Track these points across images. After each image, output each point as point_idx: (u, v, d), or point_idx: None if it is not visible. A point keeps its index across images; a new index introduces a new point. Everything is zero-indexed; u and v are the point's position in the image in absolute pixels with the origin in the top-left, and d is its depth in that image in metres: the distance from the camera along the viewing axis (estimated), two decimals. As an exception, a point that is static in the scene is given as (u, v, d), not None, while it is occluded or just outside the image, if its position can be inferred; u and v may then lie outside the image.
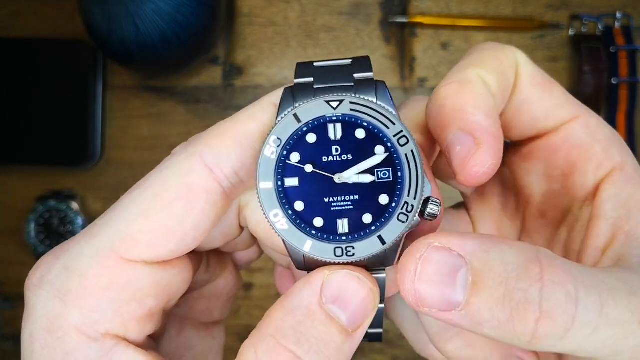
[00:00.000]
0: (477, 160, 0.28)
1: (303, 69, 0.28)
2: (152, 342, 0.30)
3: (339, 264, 0.27)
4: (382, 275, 0.28)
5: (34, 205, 0.79)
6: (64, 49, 0.80)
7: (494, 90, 0.30)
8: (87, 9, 0.69)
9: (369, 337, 0.30)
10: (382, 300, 0.29)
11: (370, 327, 0.29)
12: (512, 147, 0.35)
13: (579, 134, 0.31)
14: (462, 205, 0.37)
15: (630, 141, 0.78)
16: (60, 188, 0.81)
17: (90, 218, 0.80)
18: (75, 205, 0.79)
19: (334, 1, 0.81)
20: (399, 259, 0.29)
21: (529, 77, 0.31)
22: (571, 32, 0.79)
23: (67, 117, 0.80)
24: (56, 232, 0.79)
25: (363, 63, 0.28)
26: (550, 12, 0.80)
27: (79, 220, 0.79)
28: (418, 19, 0.79)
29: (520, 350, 0.30)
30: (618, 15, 0.79)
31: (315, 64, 0.29)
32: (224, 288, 0.38)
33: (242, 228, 0.33)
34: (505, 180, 0.36)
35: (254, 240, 0.36)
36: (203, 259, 0.35)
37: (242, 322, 0.79)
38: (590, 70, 0.77)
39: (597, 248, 0.29)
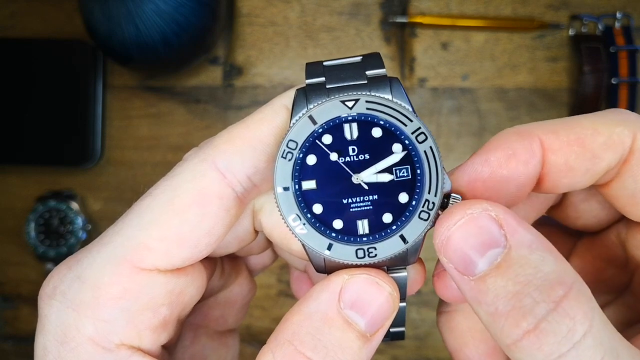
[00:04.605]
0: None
1: (313, 68, 0.28)
2: (166, 352, 0.29)
3: (360, 265, 0.26)
4: (403, 274, 0.28)
5: (34, 205, 0.79)
6: (64, 49, 0.80)
7: (557, 160, 0.27)
8: (87, 9, 0.69)
9: (391, 336, 0.30)
10: (403, 299, 0.28)
11: (393, 326, 0.28)
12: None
13: None
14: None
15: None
16: (60, 188, 0.81)
17: (90, 218, 0.80)
18: (75, 205, 0.79)
19: (334, 1, 0.81)
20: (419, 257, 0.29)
21: None
22: (571, 32, 0.79)
23: (67, 117, 0.80)
24: (56, 232, 0.79)
25: (374, 59, 0.28)
26: (550, 12, 0.79)
27: (79, 220, 0.79)
28: (418, 19, 0.79)
29: None
30: (618, 15, 0.79)
31: (324, 63, 0.28)
32: (238, 294, 0.37)
33: (256, 232, 0.33)
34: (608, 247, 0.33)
35: (268, 243, 0.36)
36: (217, 264, 0.34)
37: (243, 322, 0.79)
38: (590, 70, 0.77)
39: None
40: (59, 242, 0.79)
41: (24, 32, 0.82)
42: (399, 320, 0.29)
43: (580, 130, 0.27)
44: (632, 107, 0.78)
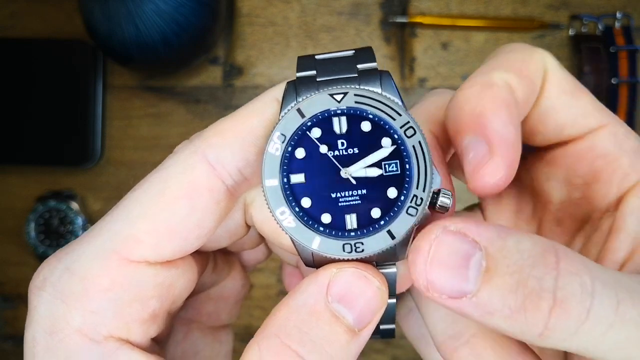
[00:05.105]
0: (489, 170, 0.27)
1: (305, 62, 0.28)
2: (156, 345, 0.29)
3: (348, 260, 0.26)
4: (392, 270, 0.28)
5: (34, 205, 0.79)
6: (64, 49, 0.80)
7: (519, 96, 0.28)
8: (87, 9, 0.69)
9: (381, 334, 0.30)
10: (393, 295, 0.28)
11: (382, 323, 0.28)
12: (535, 151, 0.34)
13: (605, 143, 0.30)
14: (476, 207, 0.37)
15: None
16: (60, 188, 0.81)
17: (90, 218, 0.80)
18: (75, 205, 0.79)
19: (334, 1, 0.81)
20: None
21: (557, 83, 0.30)
22: (571, 32, 0.79)
23: (67, 117, 0.80)
24: (56, 232, 0.79)
25: (366, 53, 0.28)
26: (550, 12, 0.79)
27: (79, 220, 0.79)
28: (418, 19, 0.79)
29: None
30: (618, 15, 0.79)
31: (317, 56, 0.28)
32: (231, 290, 0.37)
33: (248, 227, 0.33)
34: (524, 184, 0.35)
35: (261, 239, 0.36)
36: (210, 259, 0.34)
37: (242, 322, 0.79)
38: (590, 70, 0.77)
39: (615, 262, 0.28)
40: (59, 242, 0.79)
41: (24, 32, 0.82)
42: (389, 317, 0.29)
43: (518, 64, 0.29)
44: (632, 107, 0.78)
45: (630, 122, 0.78)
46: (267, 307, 0.79)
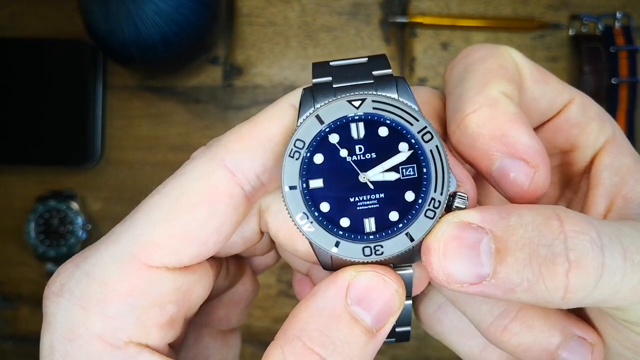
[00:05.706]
0: (539, 184, 0.28)
1: (320, 68, 0.28)
2: (172, 350, 0.30)
3: (367, 263, 0.27)
4: (409, 272, 0.28)
5: (34, 205, 0.79)
6: (64, 49, 0.80)
7: (516, 101, 0.30)
8: (87, 9, 0.69)
9: (396, 337, 0.30)
10: (409, 297, 0.29)
11: (398, 325, 0.29)
12: None
13: (577, 114, 0.32)
14: None
15: (630, 140, 0.78)
16: (60, 188, 0.81)
17: (90, 218, 0.80)
18: (75, 205, 0.79)
19: (334, 1, 0.81)
20: None
21: (530, 75, 0.32)
22: (571, 32, 0.79)
23: (67, 117, 0.80)
24: (56, 232, 0.79)
25: (380, 60, 0.28)
26: (550, 12, 0.80)
27: (79, 220, 0.79)
28: (418, 19, 0.79)
29: (580, 329, 0.30)
30: (618, 15, 0.79)
31: (331, 63, 0.28)
32: (242, 294, 0.38)
33: (262, 233, 0.33)
34: None
35: (272, 245, 0.36)
36: (223, 264, 0.34)
37: (242, 322, 0.79)
38: (590, 70, 0.77)
39: (597, 214, 0.30)
40: (59, 242, 0.79)
41: (24, 32, 0.82)
42: (405, 319, 0.29)
43: (500, 70, 0.30)
44: (632, 107, 0.78)
45: (630, 122, 0.78)
46: (267, 307, 0.80)
